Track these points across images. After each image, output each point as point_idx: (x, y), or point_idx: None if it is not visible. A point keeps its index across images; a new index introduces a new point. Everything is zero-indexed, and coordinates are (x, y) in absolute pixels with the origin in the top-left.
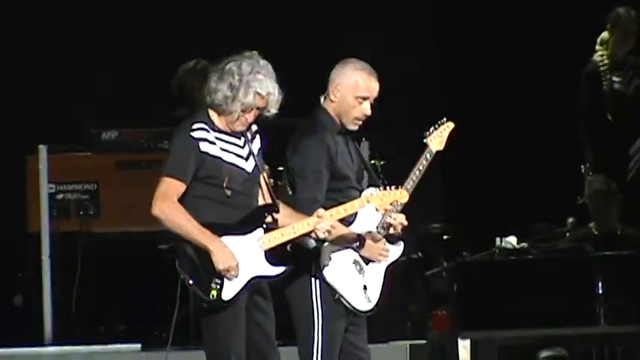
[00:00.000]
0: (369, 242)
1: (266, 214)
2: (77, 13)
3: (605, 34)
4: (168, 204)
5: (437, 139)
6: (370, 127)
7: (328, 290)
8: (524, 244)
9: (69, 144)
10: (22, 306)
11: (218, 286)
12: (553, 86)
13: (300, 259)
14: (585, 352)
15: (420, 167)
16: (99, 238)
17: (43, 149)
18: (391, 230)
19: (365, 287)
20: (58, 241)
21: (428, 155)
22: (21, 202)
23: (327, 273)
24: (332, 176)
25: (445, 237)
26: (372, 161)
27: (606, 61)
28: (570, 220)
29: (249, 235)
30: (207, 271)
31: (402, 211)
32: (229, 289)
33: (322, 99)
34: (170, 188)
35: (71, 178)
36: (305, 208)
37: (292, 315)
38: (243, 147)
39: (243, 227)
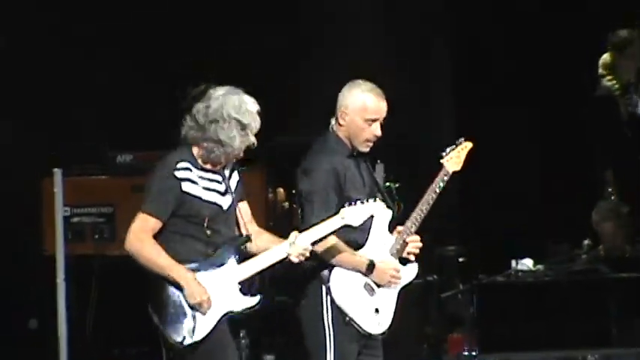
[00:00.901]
0: (378, 267)
1: (237, 246)
2: (100, 37)
3: (607, 57)
4: (143, 239)
5: (454, 159)
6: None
7: (339, 313)
8: (539, 267)
9: (84, 167)
10: (37, 329)
11: (190, 327)
12: (571, 109)
13: (312, 282)
14: None
15: (436, 188)
16: (114, 261)
17: (58, 172)
18: (405, 253)
19: (377, 310)
20: (74, 264)
21: (444, 176)
22: (36, 224)
23: (337, 296)
24: (341, 200)
25: (461, 259)
26: (387, 183)
27: (617, 85)
28: (586, 242)
29: (221, 269)
30: (180, 311)
31: (416, 233)
32: (202, 328)
33: (332, 122)
34: (145, 224)
35: (87, 202)
36: None
37: (304, 337)
38: (221, 183)
39: (215, 262)
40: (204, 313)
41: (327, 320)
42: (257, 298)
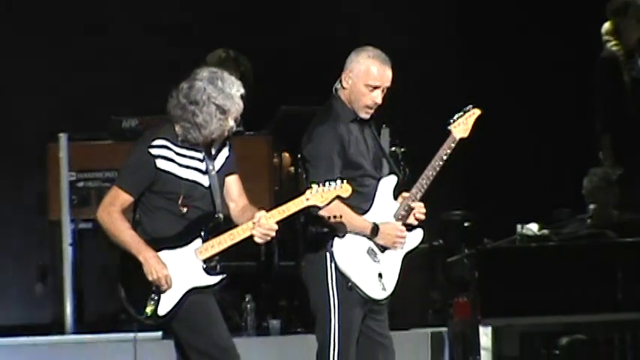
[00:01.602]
0: (382, 229)
1: (204, 224)
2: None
3: (608, 25)
4: (111, 212)
5: (462, 126)
6: (390, 115)
7: (342, 278)
8: (545, 231)
9: (89, 132)
10: (43, 294)
11: (153, 302)
12: (574, 74)
13: (316, 247)
14: (607, 338)
15: (443, 155)
16: None
17: (63, 137)
18: (410, 219)
19: (380, 275)
20: (79, 228)
21: (452, 143)
22: (42, 190)
23: (339, 261)
24: (345, 165)
25: (466, 224)
26: (393, 149)
27: (621, 51)
28: (592, 206)
29: (187, 247)
30: (144, 286)
31: (421, 200)
32: (165, 304)
33: (336, 86)
34: (116, 199)
35: (92, 166)
36: None
37: (310, 303)
38: (202, 160)
39: (181, 239)
40: (162, 291)
41: (332, 285)
42: (218, 278)
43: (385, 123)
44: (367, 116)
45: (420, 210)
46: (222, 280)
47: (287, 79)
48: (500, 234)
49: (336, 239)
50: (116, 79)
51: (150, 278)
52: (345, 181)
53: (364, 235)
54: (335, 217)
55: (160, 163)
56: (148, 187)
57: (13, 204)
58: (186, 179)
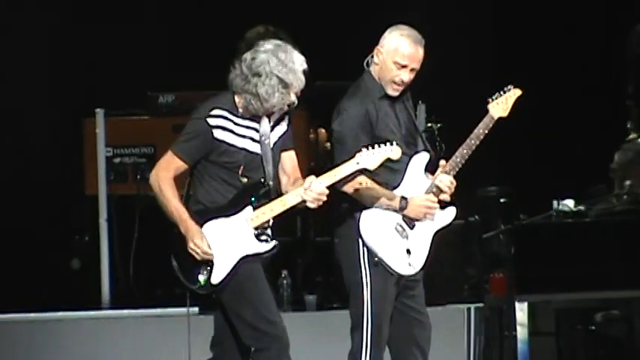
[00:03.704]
0: (411, 202)
1: (254, 192)
2: None
3: None
4: (162, 179)
5: (501, 105)
6: (428, 90)
7: (370, 254)
8: (581, 207)
9: (126, 108)
10: (80, 269)
11: (206, 272)
12: (610, 49)
13: (347, 223)
14: None
15: (480, 133)
16: (156, 201)
17: (100, 113)
18: (441, 196)
19: (408, 251)
20: (116, 204)
21: (489, 122)
22: (79, 165)
23: (366, 237)
24: (373, 140)
25: (502, 200)
26: (429, 125)
27: None
28: (628, 182)
29: (237, 215)
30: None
31: (454, 177)
32: (218, 272)
33: (368, 61)
34: (171, 163)
35: (128, 142)
36: None
37: (343, 278)
38: (258, 131)
39: (231, 208)
40: (210, 264)
41: (363, 262)
42: (270, 245)
43: (422, 99)
44: (395, 93)
45: (450, 184)
46: (274, 247)
47: (324, 55)
48: (536, 210)
49: (364, 215)
50: (153, 55)
51: (189, 249)
52: (395, 143)
53: (393, 210)
54: (361, 184)
55: (218, 133)
56: (204, 156)
57: (50, 179)
58: (243, 149)
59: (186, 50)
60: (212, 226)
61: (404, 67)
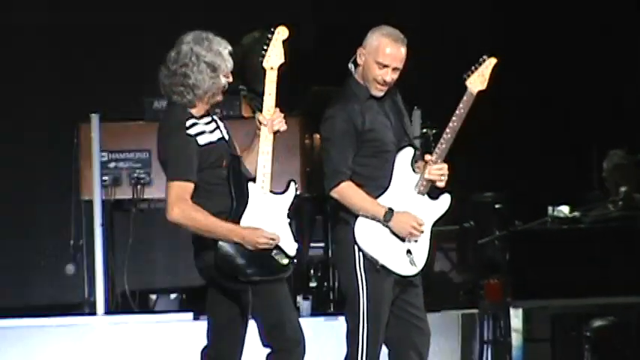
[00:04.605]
0: (397, 218)
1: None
2: None
3: None
4: (184, 208)
5: (478, 78)
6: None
7: (369, 261)
8: (576, 213)
9: (121, 112)
10: (74, 274)
11: (280, 254)
12: (607, 59)
13: (343, 229)
14: (638, 320)
15: (461, 113)
16: (151, 206)
17: (95, 117)
18: (438, 183)
19: (409, 251)
20: (111, 209)
21: (469, 98)
22: (73, 170)
23: (363, 244)
24: (364, 142)
25: (497, 206)
26: (424, 130)
27: None
28: (623, 189)
29: (252, 198)
30: (258, 252)
31: (444, 161)
32: (287, 246)
33: (351, 64)
34: (181, 191)
35: (123, 147)
36: (329, 181)
37: (339, 284)
38: (209, 123)
39: (242, 202)
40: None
41: (359, 267)
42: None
43: (417, 105)
44: (380, 93)
45: (438, 171)
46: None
47: (319, 59)
48: (531, 216)
49: (359, 221)
50: (148, 60)
51: (258, 247)
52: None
53: (378, 221)
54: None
55: (201, 139)
56: (198, 167)
57: (45, 184)
58: (220, 139)
59: None
60: (249, 217)
61: (386, 66)
